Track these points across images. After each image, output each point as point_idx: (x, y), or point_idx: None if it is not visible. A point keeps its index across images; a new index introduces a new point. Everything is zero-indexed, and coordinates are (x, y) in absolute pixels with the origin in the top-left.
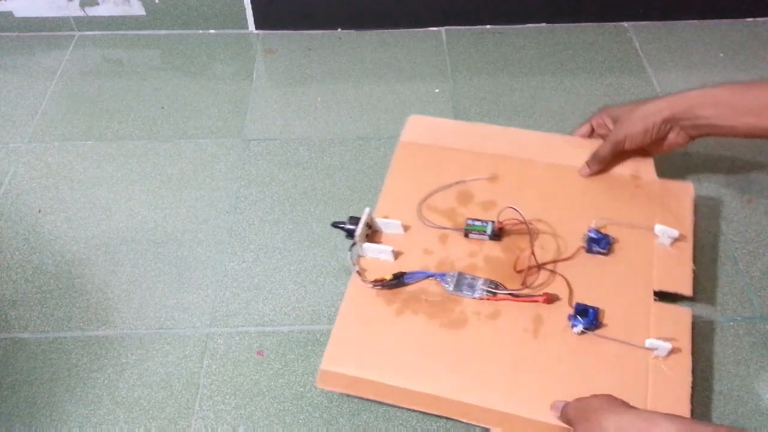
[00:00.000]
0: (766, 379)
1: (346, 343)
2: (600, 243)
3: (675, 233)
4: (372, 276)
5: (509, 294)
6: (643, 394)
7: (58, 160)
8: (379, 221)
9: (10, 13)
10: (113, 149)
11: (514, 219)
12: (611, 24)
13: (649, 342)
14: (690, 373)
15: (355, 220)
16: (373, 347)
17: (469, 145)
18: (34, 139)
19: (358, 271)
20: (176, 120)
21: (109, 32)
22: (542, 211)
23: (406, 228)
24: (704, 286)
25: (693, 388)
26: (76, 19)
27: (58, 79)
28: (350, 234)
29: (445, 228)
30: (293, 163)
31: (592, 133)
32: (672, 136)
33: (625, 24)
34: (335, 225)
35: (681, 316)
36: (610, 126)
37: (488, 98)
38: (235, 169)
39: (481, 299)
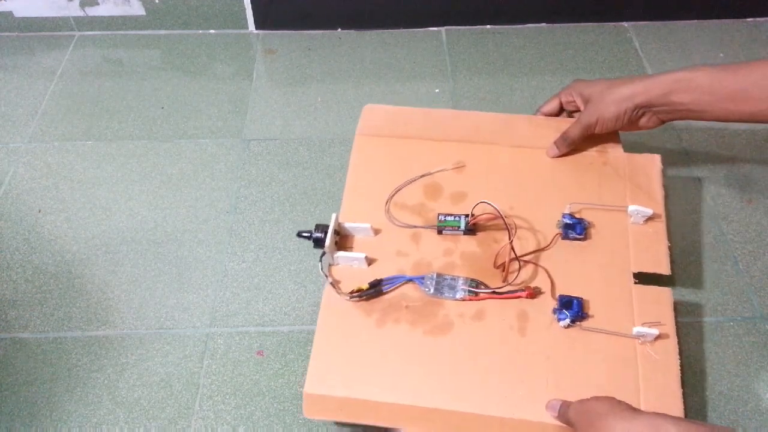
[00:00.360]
0: (766, 379)
1: (328, 362)
2: (575, 228)
3: (648, 212)
4: (346, 286)
5: (491, 292)
6: (635, 382)
7: (58, 160)
8: (348, 226)
9: (10, 13)
10: (113, 149)
11: (487, 213)
12: (611, 24)
13: (636, 330)
14: (677, 355)
15: (322, 228)
16: (358, 364)
17: (430, 133)
18: (34, 139)
19: (331, 283)
20: (176, 120)
21: (109, 32)
22: (514, 199)
23: (376, 231)
24: (704, 286)
25: (682, 369)
26: (76, 19)
27: (58, 79)
28: (318, 243)
29: (416, 227)
30: (293, 163)
31: (560, 110)
32: (644, 120)
33: (625, 24)
34: (300, 234)
35: (662, 296)
36: (580, 105)
37: (488, 98)
38: (235, 169)
39: (464, 300)
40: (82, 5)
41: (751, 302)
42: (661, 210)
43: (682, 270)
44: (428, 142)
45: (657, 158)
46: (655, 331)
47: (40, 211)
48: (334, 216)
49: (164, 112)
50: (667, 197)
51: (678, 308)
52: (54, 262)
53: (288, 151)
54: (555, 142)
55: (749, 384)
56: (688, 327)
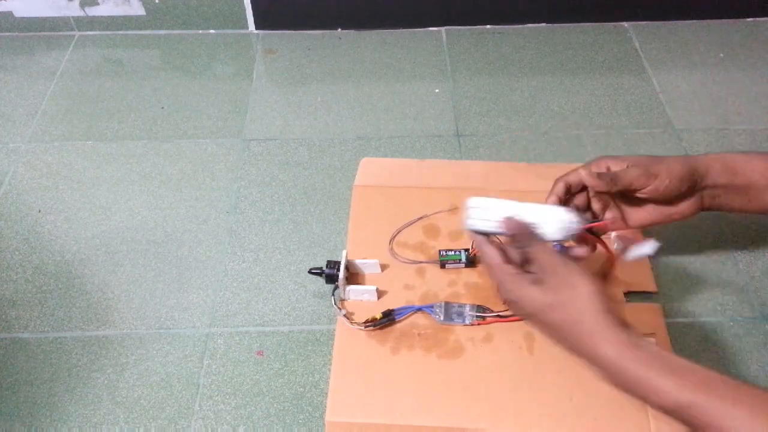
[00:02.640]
0: (767, 379)
1: (347, 390)
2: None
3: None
4: (358, 317)
5: (497, 316)
6: None
7: (58, 160)
8: (358, 262)
9: (10, 13)
10: (113, 149)
11: None
12: (611, 24)
13: None
14: None
15: (333, 264)
16: (376, 390)
17: (423, 181)
18: (34, 139)
19: (345, 315)
20: (176, 120)
21: (109, 32)
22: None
23: (383, 267)
24: (704, 286)
25: None
26: (76, 19)
27: (58, 79)
28: (330, 278)
29: (420, 262)
30: (293, 163)
31: (583, 187)
32: (689, 202)
33: (625, 24)
34: (312, 271)
35: (653, 311)
36: (614, 167)
37: (488, 98)
38: (235, 169)
39: (472, 325)
40: (82, 5)
41: (751, 302)
42: (640, 236)
43: (682, 270)
44: (422, 189)
45: None
46: (652, 341)
47: (40, 211)
48: (344, 252)
49: (164, 112)
50: None
51: (678, 308)
52: (54, 262)
53: (288, 151)
54: (600, 176)
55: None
56: (688, 327)
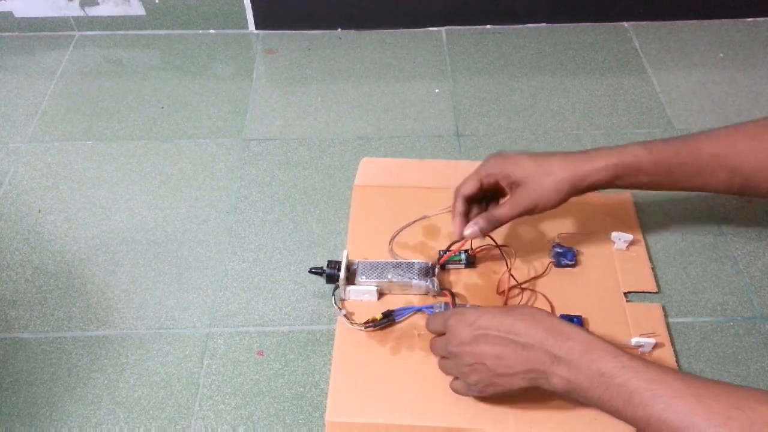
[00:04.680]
0: (767, 379)
1: (347, 390)
2: (566, 256)
3: (629, 237)
4: (358, 317)
5: None
6: None
7: (58, 160)
8: (358, 263)
9: (10, 13)
10: (113, 149)
11: (485, 245)
12: (611, 24)
13: (635, 340)
14: (674, 361)
15: (333, 264)
16: (376, 390)
17: (423, 181)
18: (34, 139)
19: (345, 315)
20: (176, 120)
21: (109, 32)
22: (505, 236)
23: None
24: (704, 286)
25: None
26: (76, 19)
27: (58, 79)
28: (331, 278)
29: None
30: (293, 163)
31: (479, 191)
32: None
33: (625, 24)
34: (312, 271)
35: (653, 311)
36: (506, 187)
37: (488, 98)
38: (235, 169)
39: None
40: (82, 5)
41: (751, 302)
42: (640, 236)
43: (683, 270)
44: (421, 189)
45: (627, 194)
46: (652, 341)
47: (40, 211)
48: (345, 252)
49: (164, 112)
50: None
51: (678, 308)
52: (54, 262)
53: (288, 151)
54: (476, 222)
55: (749, 384)
56: (688, 327)
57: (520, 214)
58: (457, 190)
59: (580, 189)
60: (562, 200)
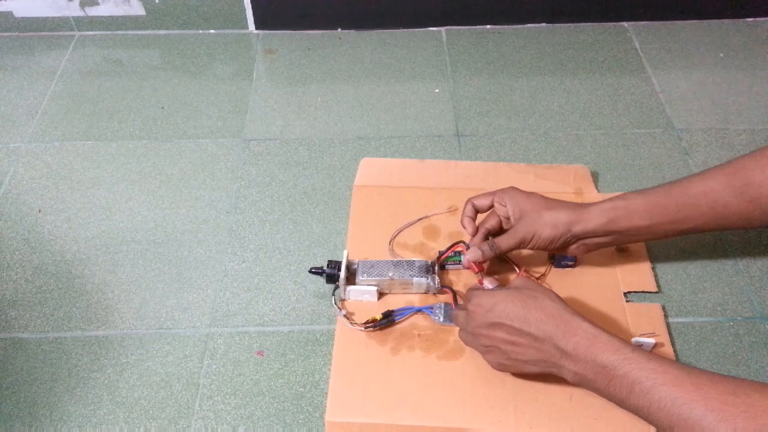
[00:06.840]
0: (767, 379)
1: (347, 390)
2: (566, 256)
3: None
4: (358, 318)
5: None
6: None
7: (58, 160)
8: (358, 262)
9: (10, 13)
10: (113, 149)
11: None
12: (611, 24)
13: (635, 340)
14: (674, 360)
15: (333, 264)
16: (376, 390)
17: (423, 181)
18: (34, 139)
19: (345, 315)
20: (176, 120)
21: (109, 32)
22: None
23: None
24: (704, 286)
25: None
26: (76, 19)
27: (58, 79)
28: (331, 278)
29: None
30: (293, 163)
31: (490, 208)
32: (573, 247)
33: (625, 24)
34: (312, 271)
35: (653, 311)
36: (512, 215)
37: (488, 98)
38: (235, 169)
39: None
40: (82, 5)
41: (751, 302)
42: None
43: (683, 269)
44: (421, 190)
45: None
46: (652, 341)
47: (40, 211)
48: (345, 252)
49: (164, 112)
50: None
51: (678, 308)
52: (54, 262)
53: (288, 151)
54: (480, 247)
55: None
56: (688, 327)
57: (518, 243)
58: (470, 199)
59: (575, 233)
60: (556, 238)
